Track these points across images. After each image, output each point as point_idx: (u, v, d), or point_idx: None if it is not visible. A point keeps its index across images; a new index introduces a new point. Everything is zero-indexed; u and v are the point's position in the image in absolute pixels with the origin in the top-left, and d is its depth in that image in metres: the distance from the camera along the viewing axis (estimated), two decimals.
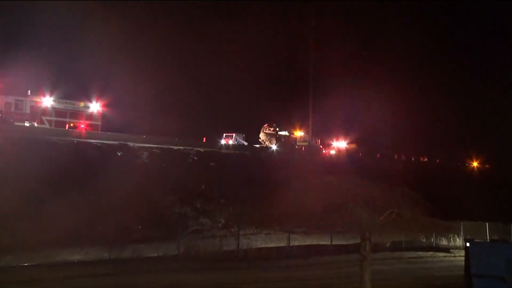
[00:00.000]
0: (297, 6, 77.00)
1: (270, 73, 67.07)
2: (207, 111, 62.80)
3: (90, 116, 36.59)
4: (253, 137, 49.22)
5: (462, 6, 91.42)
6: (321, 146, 53.63)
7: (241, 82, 63.52)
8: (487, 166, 61.27)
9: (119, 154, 31.30)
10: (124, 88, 51.06)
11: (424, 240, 31.62)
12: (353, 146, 57.07)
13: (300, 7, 75.37)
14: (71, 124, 35.40)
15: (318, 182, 28.55)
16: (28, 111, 33.82)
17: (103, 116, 37.46)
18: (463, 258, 16.63)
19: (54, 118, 34.94)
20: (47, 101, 34.77)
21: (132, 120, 47.59)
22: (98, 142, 31.59)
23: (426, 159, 60.66)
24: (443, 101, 75.39)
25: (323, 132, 58.86)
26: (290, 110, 62.19)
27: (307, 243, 27.91)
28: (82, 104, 36.60)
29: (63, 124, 35.04)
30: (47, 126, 34.09)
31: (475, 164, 60.82)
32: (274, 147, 45.34)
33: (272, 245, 27.08)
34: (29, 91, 34.71)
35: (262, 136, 48.17)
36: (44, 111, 34.64)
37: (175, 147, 35.27)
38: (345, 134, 57.72)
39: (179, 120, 53.90)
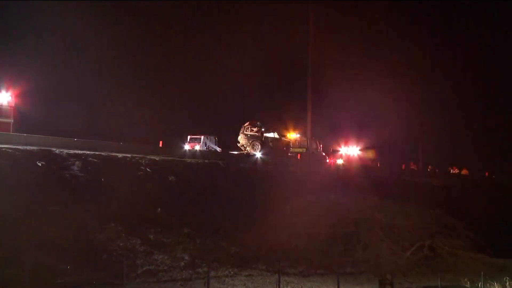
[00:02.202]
0: None
1: (256, 60, 68.05)
2: (167, 105, 63.04)
3: None
4: (229, 141, 49.15)
5: None
6: (324, 154, 53.70)
7: (217, 70, 64.49)
8: None
9: (40, 164, 30.77)
10: (50, 76, 51.10)
11: (468, 285, 31.66)
12: (370, 153, 57.40)
13: None
14: None
15: (320, 203, 28.65)
16: None
17: (17, 111, 36.93)
18: None
19: None
20: None
21: (60, 117, 47.24)
22: (9, 148, 31.00)
23: (467, 172, 61.16)
24: (490, 95, 76.94)
25: (327, 135, 59.19)
26: (282, 106, 62.62)
27: None
28: None
29: None
30: None
31: None
32: (258, 154, 45.24)
33: None
34: None
35: (241, 139, 48.03)
36: None
37: (120, 155, 34.87)
38: (358, 137, 58.11)
39: (126, 118, 53.91)
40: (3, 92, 36.39)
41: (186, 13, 73.30)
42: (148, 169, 34.88)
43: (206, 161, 39.53)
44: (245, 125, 48.51)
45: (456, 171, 60.90)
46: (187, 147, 43.88)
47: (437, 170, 59.72)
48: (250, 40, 70.05)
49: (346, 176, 44.39)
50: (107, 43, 59.17)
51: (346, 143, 57.81)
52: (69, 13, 56.65)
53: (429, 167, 61.73)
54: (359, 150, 57.02)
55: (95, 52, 58.21)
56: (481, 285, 31.61)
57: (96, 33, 57.69)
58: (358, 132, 59.73)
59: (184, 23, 72.82)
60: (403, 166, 59.06)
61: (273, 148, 48.32)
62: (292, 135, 52.85)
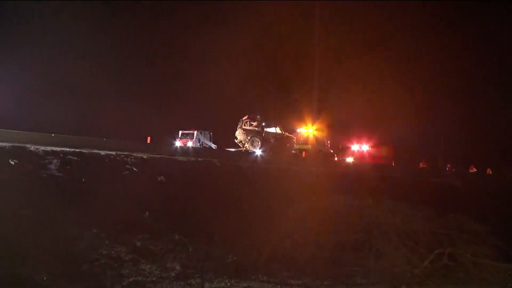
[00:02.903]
0: None
1: (258, 51, 68.64)
2: (156, 97, 63.15)
3: None
4: (226, 137, 49.07)
5: None
6: (332, 151, 53.65)
7: (212, 60, 64.73)
8: None
9: (12, 162, 30.70)
10: (25, 67, 51.28)
11: None
12: (384, 150, 57.37)
13: None
14: None
15: (327, 206, 28.54)
16: None
17: None
18: None
19: None
20: None
21: (36, 110, 47.20)
22: None
23: (491, 172, 61.13)
24: None
25: (336, 130, 59.11)
26: (285, 99, 62.68)
27: None
28: None
29: None
30: None
31: None
32: (258, 151, 45.16)
33: None
34: None
35: (239, 134, 47.95)
36: None
37: (103, 152, 34.80)
38: (370, 133, 58.06)
39: (110, 112, 53.88)
40: None
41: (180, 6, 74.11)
42: (134, 169, 34.81)
43: (199, 159, 39.46)
44: (243, 118, 48.33)
45: (474, 170, 60.88)
46: (178, 143, 43.81)
47: (454, 169, 59.73)
48: (254, 31, 70.60)
49: (357, 176, 44.29)
50: (91, 33, 59.53)
51: (357, 139, 57.74)
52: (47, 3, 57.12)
53: (448, 165, 61.73)
54: (371, 146, 56.95)
55: (77, 44, 58.57)
56: None
57: (77, 23, 58.06)
58: (371, 127, 59.78)
59: (177, 14, 73.51)
60: (421, 165, 59.00)
61: (275, 145, 48.24)
62: (298, 130, 52.87)
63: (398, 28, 79.43)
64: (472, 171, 60.55)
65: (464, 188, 47.65)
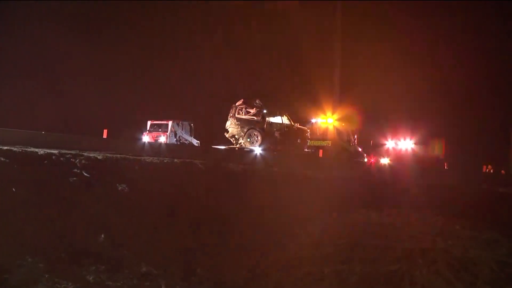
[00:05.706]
0: None
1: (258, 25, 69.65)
2: (118, 78, 63.80)
3: None
4: (213, 130, 49.15)
5: None
6: (360, 149, 53.76)
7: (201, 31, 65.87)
8: None
9: None
10: None
11: None
12: (436, 148, 57.55)
13: None
14: None
15: (352, 225, 28.59)
16: None
17: None
18: None
19: None
20: None
21: None
22: None
23: None
24: None
25: (367, 121, 59.35)
26: (297, 79, 63.15)
27: None
28: None
29: None
30: None
31: None
32: (258, 149, 45.01)
33: None
34: None
35: (232, 126, 47.76)
36: None
37: (41, 151, 34.83)
38: (413, 126, 58.23)
39: (54, 98, 54.24)
40: None
41: None
42: (85, 173, 34.76)
43: (176, 160, 39.47)
44: (237, 104, 48.00)
45: None
46: (146, 138, 43.90)
47: (503, 172, 60.18)
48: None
49: (394, 185, 44.29)
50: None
51: (394, 134, 57.90)
52: None
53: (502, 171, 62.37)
54: (415, 143, 57.08)
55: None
56: None
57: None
58: (413, 118, 59.97)
59: None
60: (484, 168, 59.13)
61: (281, 140, 48.18)
62: (314, 120, 53.06)
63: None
64: None
65: None
